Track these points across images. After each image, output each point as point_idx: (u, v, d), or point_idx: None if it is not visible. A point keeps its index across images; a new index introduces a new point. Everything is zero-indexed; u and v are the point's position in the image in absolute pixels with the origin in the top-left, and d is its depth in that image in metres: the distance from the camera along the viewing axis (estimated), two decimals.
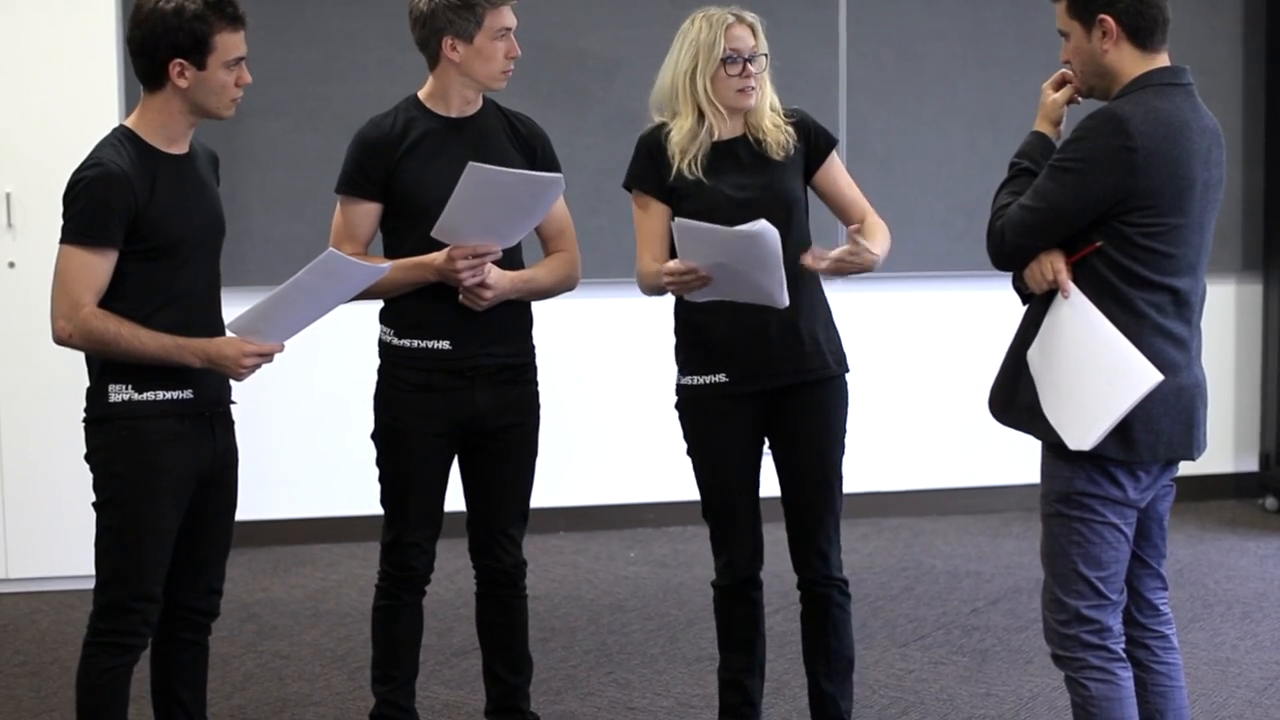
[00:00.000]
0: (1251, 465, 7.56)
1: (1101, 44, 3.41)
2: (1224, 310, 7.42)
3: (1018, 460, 6.64)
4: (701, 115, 4.06)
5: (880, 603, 5.86)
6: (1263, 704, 4.87)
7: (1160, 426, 3.42)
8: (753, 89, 4.06)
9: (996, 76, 7.08)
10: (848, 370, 4.18)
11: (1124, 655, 3.50)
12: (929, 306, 7.16)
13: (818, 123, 4.20)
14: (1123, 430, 3.38)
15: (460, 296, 4.01)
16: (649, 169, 4.14)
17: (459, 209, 3.87)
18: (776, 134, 4.10)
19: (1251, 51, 7.37)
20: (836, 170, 4.20)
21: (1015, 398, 3.52)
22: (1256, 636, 5.52)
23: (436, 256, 3.97)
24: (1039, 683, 5.02)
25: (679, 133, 4.09)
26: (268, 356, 3.67)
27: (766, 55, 4.07)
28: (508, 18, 4.01)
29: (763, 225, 3.77)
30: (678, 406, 4.21)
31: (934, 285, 7.08)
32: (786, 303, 3.90)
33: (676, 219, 3.88)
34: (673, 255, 4.00)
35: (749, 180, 4.04)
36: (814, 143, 4.16)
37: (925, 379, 7.19)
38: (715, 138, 4.09)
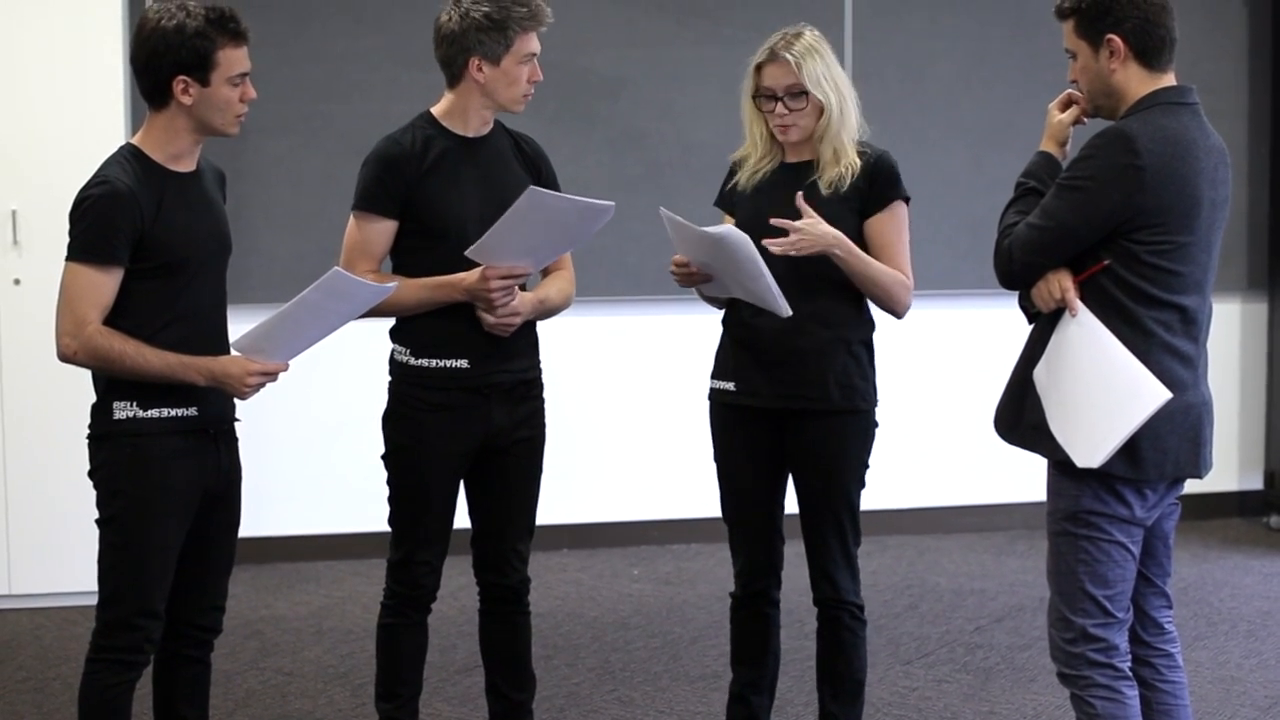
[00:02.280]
0: (1256, 484, 7.56)
1: (1109, 64, 3.42)
2: (1229, 329, 7.42)
3: (1022, 479, 6.65)
4: (760, 137, 4.12)
5: (884, 620, 5.86)
6: None
7: (1167, 444, 3.41)
8: (789, 125, 4.03)
9: (1001, 96, 7.08)
10: (863, 408, 4.11)
11: (1130, 674, 3.50)
12: (933, 325, 7.15)
13: (889, 172, 4.08)
14: (1130, 448, 3.38)
15: (485, 323, 4.00)
16: (724, 184, 4.21)
17: (507, 231, 3.85)
18: (832, 170, 4.05)
19: (1257, 71, 7.37)
20: (885, 222, 4.06)
21: (1021, 416, 3.52)
22: (1261, 655, 5.51)
23: (467, 277, 3.96)
24: (1042, 701, 5.01)
25: (744, 149, 4.17)
26: (272, 375, 3.67)
27: (808, 93, 3.99)
28: (535, 43, 4.02)
29: (727, 229, 3.83)
30: (708, 410, 4.26)
31: (938, 304, 7.07)
32: (788, 311, 3.92)
33: (661, 210, 3.95)
34: None
35: (790, 209, 3.99)
36: (874, 189, 4.05)
37: (930, 397, 7.19)
38: (785, 159, 4.11)
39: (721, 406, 4.20)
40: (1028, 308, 3.57)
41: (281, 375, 3.69)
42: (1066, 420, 3.43)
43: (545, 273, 4.23)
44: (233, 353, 3.69)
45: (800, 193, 3.98)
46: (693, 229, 3.89)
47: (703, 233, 3.86)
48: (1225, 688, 5.16)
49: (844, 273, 4.01)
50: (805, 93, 4.01)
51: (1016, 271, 3.48)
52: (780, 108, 4.02)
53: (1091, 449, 3.38)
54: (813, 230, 3.94)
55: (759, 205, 4.07)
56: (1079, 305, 3.40)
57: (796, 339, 4.04)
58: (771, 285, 3.87)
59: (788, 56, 4.01)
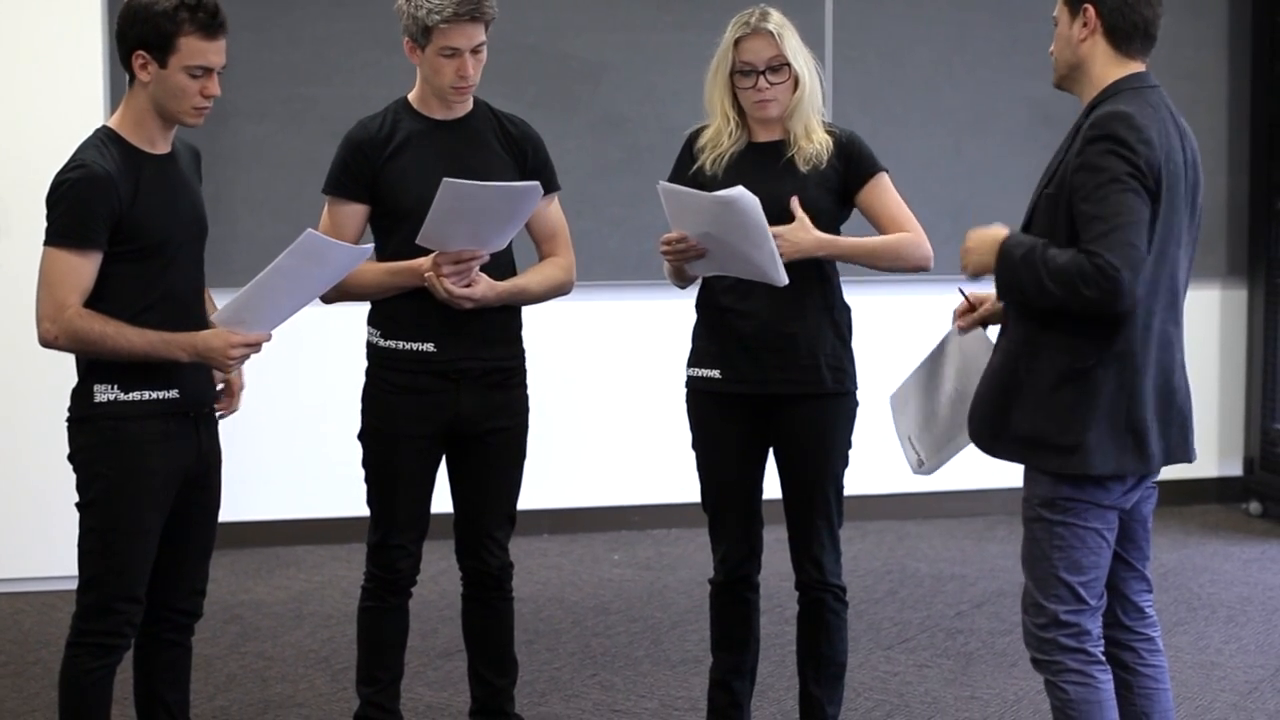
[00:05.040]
0: (1235, 470, 7.58)
1: (1079, 32, 3.41)
2: (1209, 315, 7.44)
3: (1001, 464, 6.65)
4: (729, 117, 4.09)
5: (865, 606, 5.87)
6: (1247, 707, 4.88)
7: (1169, 434, 3.43)
8: (770, 100, 4.03)
9: (982, 81, 7.09)
10: (852, 389, 4.16)
11: (1103, 658, 3.49)
12: (913, 310, 7.15)
13: (864, 148, 4.12)
14: (1140, 442, 3.36)
15: (437, 295, 4.00)
16: (681, 166, 4.17)
17: (438, 221, 3.87)
18: (809, 147, 4.06)
19: (1236, 58, 7.38)
20: (878, 194, 4.11)
21: (1005, 430, 3.51)
22: (1241, 640, 5.53)
23: (423, 262, 3.97)
24: (1023, 685, 5.03)
25: (708, 133, 4.13)
26: (255, 346, 3.65)
27: (790, 65, 4.01)
28: (456, 39, 3.93)
29: (739, 192, 3.79)
30: (685, 398, 4.24)
31: (918, 289, 7.07)
32: (785, 280, 3.90)
33: (660, 183, 3.92)
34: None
35: (770, 186, 3.98)
36: (853, 167, 4.09)
37: None
38: (753, 139, 4.10)
39: (703, 395, 4.18)
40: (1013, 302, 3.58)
41: (263, 358, 3.69)
42: (928, 422, 3.55)
43: (542, 256, 4.24)
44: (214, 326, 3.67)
45: (795, 196, 3.97)
46: (700, 195, 3.88)
47: (713, 198, 3.84)
48: (1205, 672, 5.18)
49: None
50: (786, 65, 4.01)
51: (1129, 290, 3.25)
52: (761, 81, 4.02)
53: (923, 458, 3.53)
54: (793, 237, 3.94)
55: (735, 185, 4.05)
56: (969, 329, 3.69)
57: (785, 323, 4.04)
58: (774, 252, 3.86)
59: (769, 29, 4.02)
